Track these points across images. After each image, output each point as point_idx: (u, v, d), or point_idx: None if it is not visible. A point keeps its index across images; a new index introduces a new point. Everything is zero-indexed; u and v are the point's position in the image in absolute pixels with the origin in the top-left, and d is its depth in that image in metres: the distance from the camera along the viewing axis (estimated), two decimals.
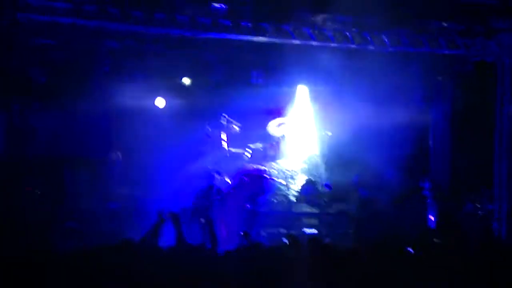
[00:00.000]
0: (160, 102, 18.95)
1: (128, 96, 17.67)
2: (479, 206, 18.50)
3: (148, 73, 18.47)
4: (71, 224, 15.71)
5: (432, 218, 18.02)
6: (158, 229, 9.93)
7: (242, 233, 11.60)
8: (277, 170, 19.48)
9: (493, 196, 18.03)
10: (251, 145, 19.73)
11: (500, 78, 18.24)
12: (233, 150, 19.55)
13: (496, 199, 17.85)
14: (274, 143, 19.98)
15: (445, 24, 18.26)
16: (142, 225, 12.00)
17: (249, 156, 19.62)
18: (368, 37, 17.75)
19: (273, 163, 19.63)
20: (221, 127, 19.49)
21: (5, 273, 6.72)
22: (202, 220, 12.15)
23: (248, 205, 17.02)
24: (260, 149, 19.71)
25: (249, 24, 16.93)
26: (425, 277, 7.82)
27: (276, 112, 20.22)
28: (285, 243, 10.52)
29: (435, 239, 15.91)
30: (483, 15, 18.02)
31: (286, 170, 19.46)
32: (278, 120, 20.13)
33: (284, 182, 19.21)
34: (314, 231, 17.84)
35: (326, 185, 18.81)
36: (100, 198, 17.40)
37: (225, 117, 19.36)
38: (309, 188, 19.07)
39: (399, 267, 7.93)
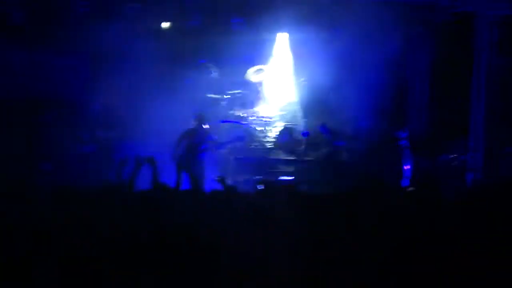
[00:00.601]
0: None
1: (106, 40, 17.31)
2: (454, 156, 18.64)
3: (127, 17, 18.11)
4: (45, 166, 15.69)
5: (407, 168, 18.02)
6: (136, 173, 10.18)
7: (217, 178, 11.45)
8: (255, 117, 19.51)
9: (468, 147, 18.20)
10: (229, 92, 19.64)
11: (479, 30, 18.19)
12: (211, 96, 19.46)
13: (471, 150, 18.05)
14: (252, 89, 19.88)
15: None
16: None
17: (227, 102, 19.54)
18: None
19: (250, 110, 19.63)
20: (200, 73, 19.40)
21: None
22: (180, 164, 12.02)
23: (224, 152, 17.04)
24: (238, 95, 19.65)
25: None
26: (398, 225, 7.83)
27: (255, 59, 20.06)
28: (260, 188, 10.55)
29: (409, 188, 16.40)
30: None
31: (264, 117, 19.48)
32: (257, 67, 19.96)
33: (261, 129, 19.23)
34: (290, 178, 17.86)
35: (304, 133, 18.77)
36: (76, 140, 17.35)
37: (204, 63, 19.25)
38: (286, 135, 19.09)
39: (371, 215, 7.92)
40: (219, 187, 10.83)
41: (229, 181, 11.10)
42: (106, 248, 5.60)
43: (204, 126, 15.70)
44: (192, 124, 16.63)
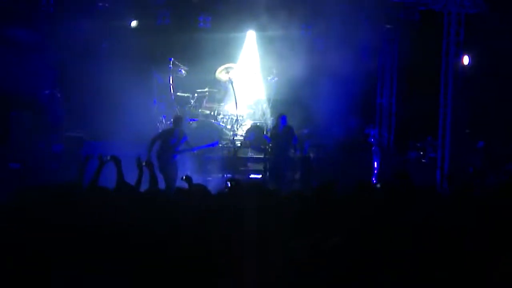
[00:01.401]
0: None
1: (75, 37, 17.40)
2: (422, 154, 18.89)
3: (95, 15, 18.13)
4: (14, 165, 15.62)
5: (376, 165, 18.25)
6: (99, 172, 10.23)
7: (183, 178, 11.46)
8: (223, 115, 19.47)
9: (437, 145, 18.36)
10: (198, 90, 19.58)
11: (446, 28, 18.46)
12: (180, 94, 19.46)
13: (439, 148, 18.20)
14: (221, 87, 19.86)
15: None
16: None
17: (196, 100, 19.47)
18: None
19: (219, 108, 19.62)
20: (168, 71, 19.36)
21: None
22: (143, 163, 11.88)
23: (194, 151, 17.05)
24: (207, 93, 19.61)
25: None
26: (363, 219, 7.84)
27: (224, 57, 19.94)
28: (228, 186, 10.52)
29: (377, 184, 16.47)
30: None
31: (232, 114, 19.40)
32: (225, 65, 19.79)
33: (229, 127, 19.17)
34: (258, 176, 17.86)
35: (265, 137, 18.28)
36: (45, 139, 17.26)
37: (172, 61, 19.21)
38: (254, 133, 18.95)
39: (338, 210, 7.92)
40: (185, 186, 10.84)
41: (198, 180, 11.09)
42: (58, 246, 5.58)
43: (180, 128, 15.68)
44: (168, 125, 16.67)
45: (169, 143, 14.87)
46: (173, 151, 14.87)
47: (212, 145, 16.21)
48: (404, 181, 9.35)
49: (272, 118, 18.85)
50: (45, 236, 5.84)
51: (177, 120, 15.51)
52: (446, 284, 5.68)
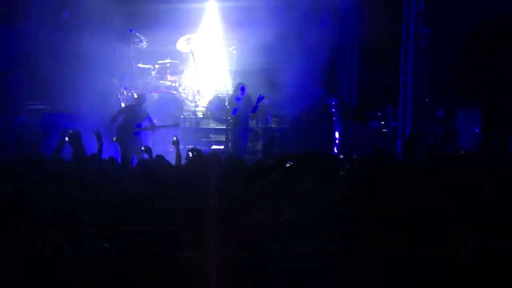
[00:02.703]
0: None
1: (36, 9, 17.28)
2: (383, 123, 19.03)
3: None
4: None
5: (337, 135, 18.27)
6: (60, 145, 10.47)
7: (143, 148, 11.67)
8: (185, 86, 19.51)
9: (397, 114, 18.49)
10: (159, 61, 19.62)
11: (407, 1, 18.59)
12: (141, 65, 19.46)
13: (400, 117, 18.42)
14: (182, 59, 19.88)
15: None
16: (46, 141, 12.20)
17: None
18: None
19: (180, 79, 19.66)
20: (129, 43, 19.33)
21: None
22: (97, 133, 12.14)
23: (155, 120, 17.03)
24: (168, 65, 19.63)
25: None
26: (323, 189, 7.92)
27: (185, 28, 20.01)
28: (189, 157, 10.66)
29: (340, 155, 16.61)
30: None
31: (194, 86, 19.45)
32: (186, 36, 19.87)
33: (191, 98, 19.24)
34: (221, 147, 18.03)
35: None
36: (7, 112, 17.25)
37: (133, 32, 19.19)
38: (216, 104, 19.13)
39: (296, 180, 8.01)
40: (145, 156, 10.95)
41: (158, 151, 11.17)
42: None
43: (142, 106, 15.69)
44: (131, 101, 16.63)
45: (131, 123, 14.87)
46: (134, 128, 14.89)
47: (175, 125, 16.23)
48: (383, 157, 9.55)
49: (233, 89, 18.95)
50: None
51: (140, 98, 15.51)
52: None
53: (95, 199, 6.13)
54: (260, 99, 16.87)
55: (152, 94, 18.24)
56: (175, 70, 19.92)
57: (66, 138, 10.98)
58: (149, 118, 15.29)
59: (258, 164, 9.23)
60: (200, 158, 9.74)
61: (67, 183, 6.96)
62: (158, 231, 5.54)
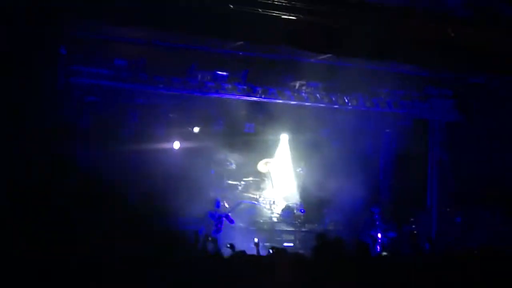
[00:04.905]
0: (176, 145, 20.85)
1: (151, 141, 19.55)
2: (414, 227, 21.27)
3: (167, 124, 20.30)
4: None
5: (379, 236, 20.53)
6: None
7: (228, 246, 12.33)
8: (264, 198, 21.67)
9: (425, 220, 21.10)
10: (244, 179, 21.86)
11: (431, 131, 21.70)
12: (231, 182, 21.61)
13: (427, 223, 20.96)
14: (262, 177, 22.10)
15: (391, 90, 21.39)
16: None
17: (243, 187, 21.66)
18: (333, 98, 20.70)
19: (261, 193, 21.88)
20: (222, 165, 21.53)
21: None
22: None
23: (241, 224, 19.65)
24: (251, 181, 21.89)
25: (244, 87, 19.68)
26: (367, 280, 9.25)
27: (264, 153, 22.18)
28: (270, 252, 11.81)
29: (383, 252, 19.06)
30: (420, 84, 21.25)
31: (271, 198, 21.65)
32: (265, 160, 22.19)
33: (268, 207, 21.48)
34: (291, 244, 20.29)
35: (301, 210, 21.08)
36: None
37: (225, 157, 21.53)
38: (287, 212, 21.38)
39: (344, 272, 9.22)
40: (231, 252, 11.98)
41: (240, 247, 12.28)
42: None
43: (225, 205, 18.94)
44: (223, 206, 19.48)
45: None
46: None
47: (231, 222, 18.87)
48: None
49: (301, 200, 21.72)
50: None
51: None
52: None
53: None
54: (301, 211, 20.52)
55: (240, 204, 20.65)
56: (257, 186, 21.98)
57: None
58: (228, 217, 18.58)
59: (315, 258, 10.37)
60: (280, 254, 10.77)
61: None
62: None
